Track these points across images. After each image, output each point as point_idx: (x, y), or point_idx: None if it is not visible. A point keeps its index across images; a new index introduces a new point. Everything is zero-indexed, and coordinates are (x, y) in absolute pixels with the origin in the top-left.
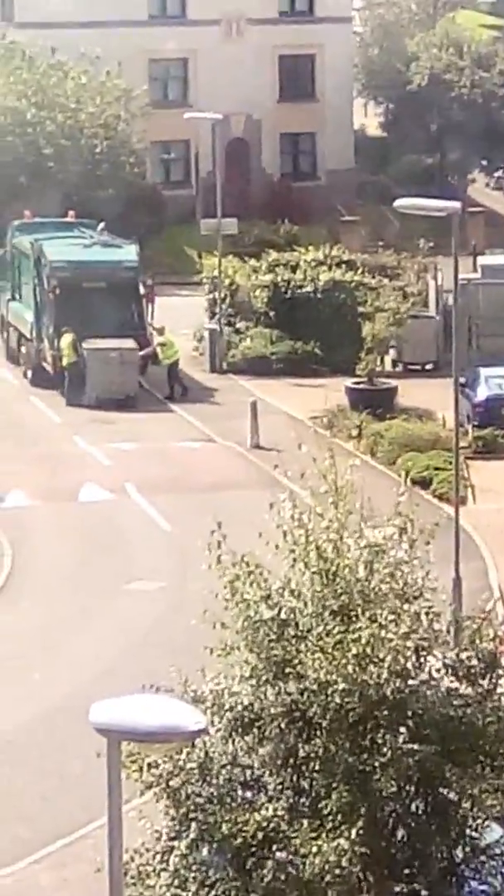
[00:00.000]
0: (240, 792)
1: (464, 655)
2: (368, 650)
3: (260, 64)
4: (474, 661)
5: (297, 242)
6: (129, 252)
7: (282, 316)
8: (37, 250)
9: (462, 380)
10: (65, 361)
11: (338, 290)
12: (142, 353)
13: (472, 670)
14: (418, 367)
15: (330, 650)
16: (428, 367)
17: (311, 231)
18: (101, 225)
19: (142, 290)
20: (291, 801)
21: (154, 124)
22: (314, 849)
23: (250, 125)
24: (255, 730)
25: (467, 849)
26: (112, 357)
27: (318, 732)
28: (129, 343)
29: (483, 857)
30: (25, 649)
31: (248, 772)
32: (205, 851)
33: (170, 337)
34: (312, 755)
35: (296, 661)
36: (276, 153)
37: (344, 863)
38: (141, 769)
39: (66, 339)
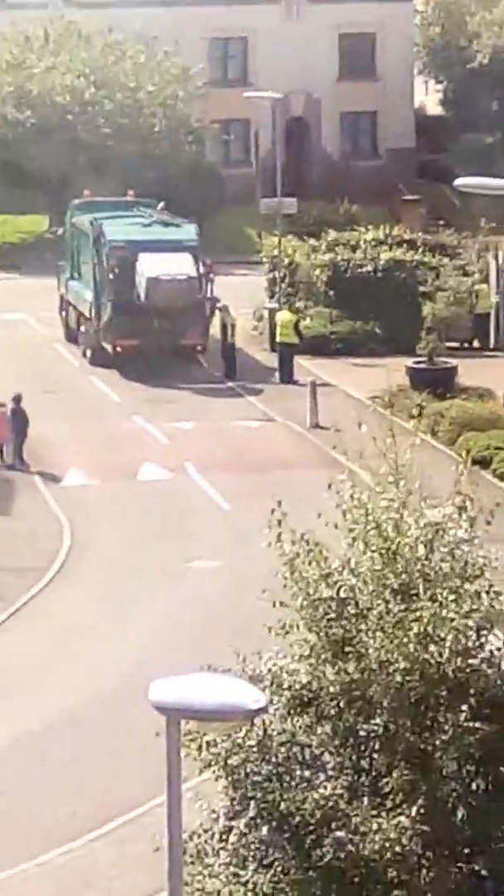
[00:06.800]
0: (298, 771)
1: None
2: (429, 629)
3: (320, 43)
4: None
5: (357, 222)
6: (188, 231)
7: (341, 295)
8: (96, 229)
9: None
10: (278, 338)
11: (398, 269)
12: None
13: None
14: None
15: (390, 629)
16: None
17: (371, 210)
18: (161, 204)
19: (201, 269)
20: (351, 779)
21: (213, 104)
22: (374, 827)
23: (310, 104)
24: (313, 709)
25: None
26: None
27: (379, 711)
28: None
29: None
30: (85, 628)
31: (307, 750)
32: (264, 830)
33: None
34: (372, 734)
35: (355, 640)
36: (336, 132)
37: (404, 841)
38: (200, 748)
39: (286, 316)
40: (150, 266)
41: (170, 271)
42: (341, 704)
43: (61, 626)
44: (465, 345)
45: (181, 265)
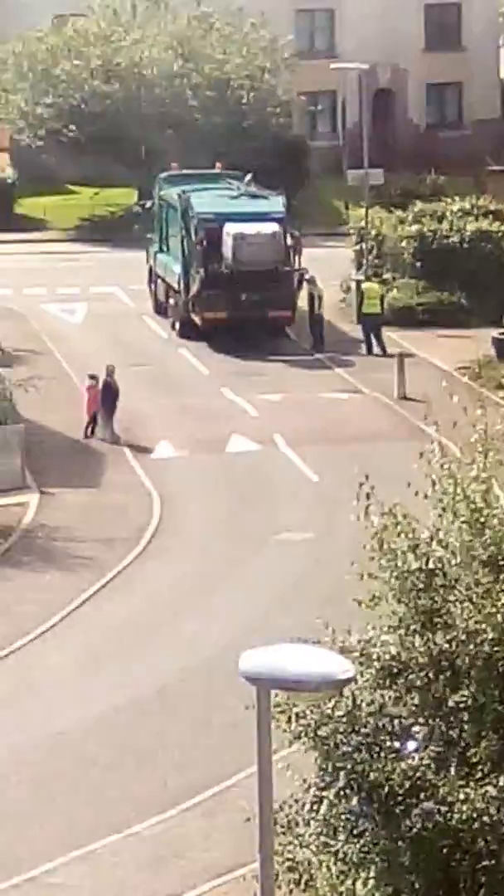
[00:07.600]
0: (387, 741)
1: None
2: None
3: (406, 13)
4: None
5: (444, 193)
6: (275, 203)
7: (428, 266)
8: (184, 202)
9: None
10: (365, 308)
11: (484, 239)
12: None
13: None
14: None
15: (479, 600)
16: None
17: (458, 181)
18: (248, 176)
19: (289, 241)
20: (439, 750)
21: (300, 75)
22: (462, 796)
23: (396, 75)
24: (402, 679)
25: None
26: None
27: (467, 682)
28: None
29: None
30: (176, 600)
31: (396, 721)
32: (353, 800)
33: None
34: (461, 705)
35: (444, 610)
36: (422, 103)
37: (492, 810)
38: (289, 719)
39: (373, 287)
40: (235, 228)
41: (255, 230)
42: (430, 675)
43: (151, 598)
44: None
45: (267, 229)
